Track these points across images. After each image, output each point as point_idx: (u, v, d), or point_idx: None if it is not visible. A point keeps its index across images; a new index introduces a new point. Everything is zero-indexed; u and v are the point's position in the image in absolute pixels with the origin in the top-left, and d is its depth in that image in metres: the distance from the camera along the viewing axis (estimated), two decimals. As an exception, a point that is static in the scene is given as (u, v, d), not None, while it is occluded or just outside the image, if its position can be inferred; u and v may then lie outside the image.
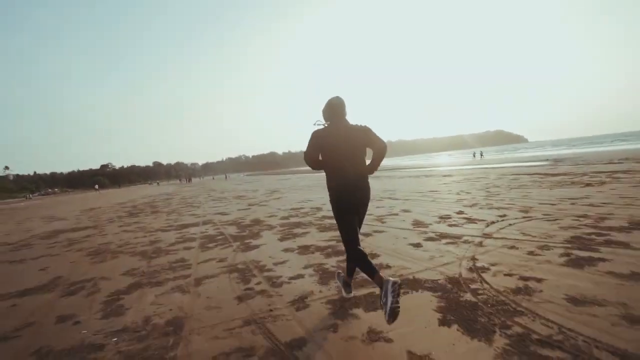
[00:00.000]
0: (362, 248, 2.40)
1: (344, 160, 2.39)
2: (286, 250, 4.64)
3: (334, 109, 2.46)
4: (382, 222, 6.00)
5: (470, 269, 3.20)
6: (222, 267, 4.02)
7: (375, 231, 5.31)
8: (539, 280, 2.78)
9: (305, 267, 3.74)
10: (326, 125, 2.52)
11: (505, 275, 2.98)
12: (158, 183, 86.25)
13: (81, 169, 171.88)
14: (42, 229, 10.20)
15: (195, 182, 65.33)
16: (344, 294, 2.74)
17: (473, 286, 2.79)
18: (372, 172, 2.54)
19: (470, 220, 5.45)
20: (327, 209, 8.19)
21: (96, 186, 62.48)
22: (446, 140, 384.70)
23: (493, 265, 3.26)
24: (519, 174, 13.40)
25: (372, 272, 2.20)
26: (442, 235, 4.63)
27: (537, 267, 3.10)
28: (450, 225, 5.23)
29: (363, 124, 2.49)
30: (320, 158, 2.50)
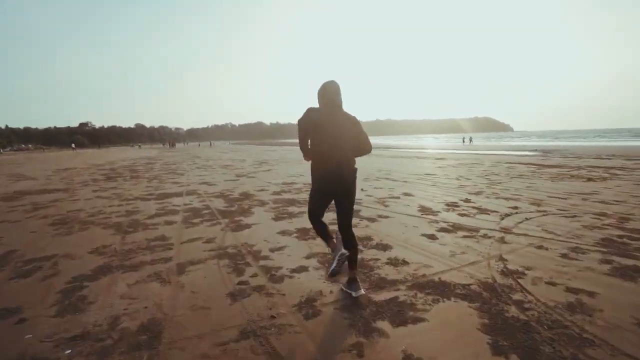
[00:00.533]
0: (323, 220, 2.51)
1: (332, 145, 2.36)
2: (283, 233, 4.10)
3: (332, 93, 2.41)
4: (385, 206, 5.52)
5: (503, 273, 2.75)
6: (210, 251, 3.46)
7: (380, 216, 4.83)
8: (590, 294, 2.36)
9: (308, 257, 3.23)
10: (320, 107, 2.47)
11: (547, 283, 2.55)
12: (140, 146, 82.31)
13: (58, 125, 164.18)
14: (5, 188, 9.28)
15: (179, 147, 63.34)
16: (338, 253, 2.33)
17: (515, 297, 2.34)
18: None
19: (481, 210, 5.03)
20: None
21: (73, 145, 59.17)
22: (436, 123, 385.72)
23: (528, 269, 2.82)
24: (513, 163, 13.14)
25: (327, 238, 2.46)
26: (456, 227, 4.19)
27: (580, 276, 2.67)
28: (461, 215, 4.79)
29: (353, 115, 2.49)
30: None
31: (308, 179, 9.85)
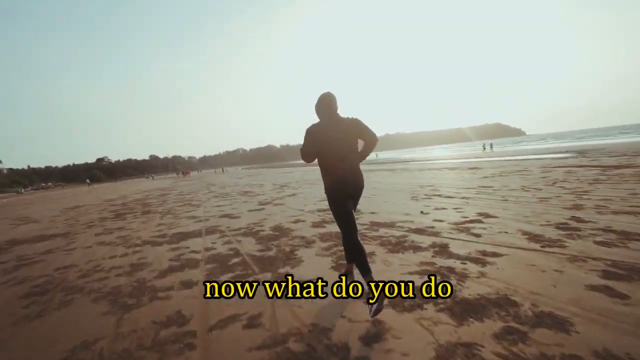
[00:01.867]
0: (360, 242, 2.46)
1: (337, 155, 2.47)
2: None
3: (325, 105, 2.52)
4: (474, 235, 4.04)
5: None
6: (260, 349, 2.02)
7: (484, 252, 3.35)
8: None
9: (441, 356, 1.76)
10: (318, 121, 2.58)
11: None
12: (153, 177, 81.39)
13: (76, 162, 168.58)
14: (0, 236, 8.16)
15: (193, 175, 63.07)
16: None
17: None
18: (361, 161, 2.66)
19: (619, 235, 3.50)
20: (372, 211, 6.23)
21: (88, 180, 58.83)
22: (445, 133, 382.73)
23: None
24: (564, 167, 11.45)
25: (365, 271, 2.33)
26: (620, 266, 2.68)
27: None
28: (601, 244, 3.28)
29: (353, 117, 2.57)
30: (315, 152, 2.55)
31: None
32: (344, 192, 2.49)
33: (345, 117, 2.55)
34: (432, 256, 3.47)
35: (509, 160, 19.84)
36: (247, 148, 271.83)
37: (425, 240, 4.08)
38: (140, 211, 10.31)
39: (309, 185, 13.60)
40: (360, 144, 2.65)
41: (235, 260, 3.96)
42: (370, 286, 2.21)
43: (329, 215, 6.40)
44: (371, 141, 2.60)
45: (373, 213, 6.21)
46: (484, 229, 4.35)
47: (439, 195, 7.67)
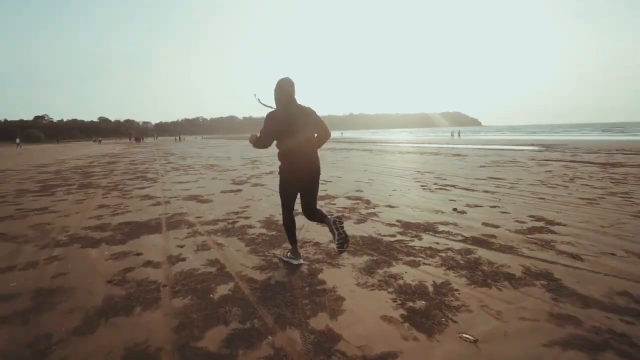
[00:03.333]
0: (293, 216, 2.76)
1: (298, 138, 2.51)
2: None
3: (286, 91, 2.56)
4: (571, 256, 2.78)
5: None
6: None
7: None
8: None
9: None
10: (276, 107, 2.63)
11: None
12: (100, 140, 71.75)
13: (9, 119, 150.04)
14: None
15: (148, 142, 58.12)
16: (294, 262, 2.79)
17: None
18: (316, 149, 2.71)
19: None
20: (389, 204, 4.82)
21: (17, 140, 50.13)
22: (407, 117, 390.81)
23: None
24: (552, 160, 10.85)
25: (293, 240, 2.80)
26: None
27: None
28: None
29: (308, 106, 2.62)
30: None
31: (345, 183, 6.44)
32: (300, 174, 2.60)
33: (302, 104, 2.61)
34: (554, 299, 2.16)
35: (485, 149, 19.41)
36: (208, 117, 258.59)
37: (505, 261, 2.78)
38: (78, 183, 8.12)
39: (286, 163, 11.94)
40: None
41: (222, 289, 2.38)
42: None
43: (336, 203, 4.93)
44: (325, 136, 2.70)
45: (391, 207, 4.84)
46: (573, 244, 3.14)
47: (453, 186, 6.47)
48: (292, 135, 2.49)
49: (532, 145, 23.20)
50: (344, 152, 18.42)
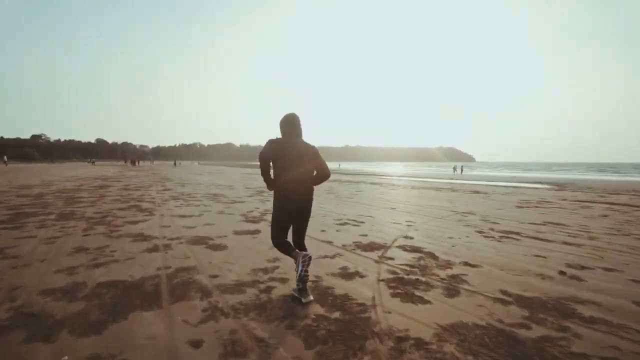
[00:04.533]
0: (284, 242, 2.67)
1: (293, 170, 2.54)
2: None
3: (291, 124, 2.62)
4: None
5: None
6: None
7: None
8: None
9: None
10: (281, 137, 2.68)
11: None
12: (93, 162, 69.81)
13: (6, 136, 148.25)
14: None
15: (144, 166, 56.77)
16: (301, 267, 2.55)
17: None
18: (313, 185, 2.74)
19: None
20: (466, 260, 3.53)
21: (5, 157, 48.39)
22: (402, 151, 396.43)
23: None
24: (586, 201, 9.74)
25: (291, 251, 2.63)
26: None
27: None
28: None
29: (312, 145, 2.68)
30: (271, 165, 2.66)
31: (382, 229, 5.76)
32: (291, 205, 2.60)
33: (307, 142, 2.67)
34: None
35: (498, 186, 18.45)
36: (205, 143, 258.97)
37: None
38: (57, 212, 6.77)
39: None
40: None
41: None
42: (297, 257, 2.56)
43: (394, 259, 3.63)
44: (324, 175, 2.73)
45: (470, 265, 3.59)
46: None
47: (517, 234, 5.28)
48: (284, 164, 2.56)
49: (539, 183, 22.43)
50: (352, 184, 17.28)
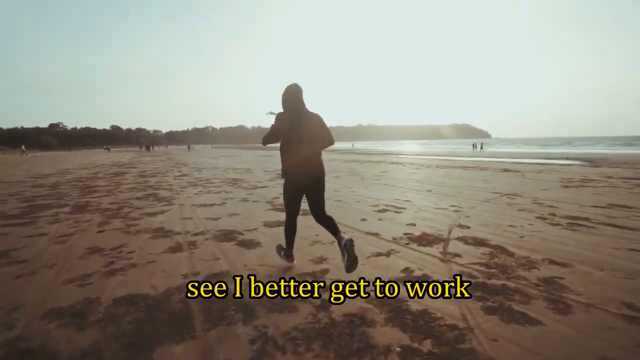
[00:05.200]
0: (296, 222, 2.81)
1: (303, 141, 2.55)
2: None
3: (293, 94, 2.61)
4: None
5: None
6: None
7: None
8: None
9: None
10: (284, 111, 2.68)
11: None
12: (109, 148, 70.01)
13: (26, 126, 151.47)
14: None
15: (158, 150, 57.00)
16: (287, 262, 2.89)
17: None
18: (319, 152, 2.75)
19: None
20: (518, 245, 2.85)
21: (23, 147, 48.92)
22: (416, 129, 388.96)
23: None
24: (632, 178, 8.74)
25: (290, 245, 2.88)
26: None
27: None
28: None
29: (316, 113, 2.67)
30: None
31: (426, 215, 5.17)
32: (302, 176, 2.60)
33: (310, 110, 2.66)
34: None
35: (527, 163, 17.33)
36: (217, 127, 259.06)
37: None
38: (72, 204, 6.35)
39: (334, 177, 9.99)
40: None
41: None
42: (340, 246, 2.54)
43: (462, 256, 2.96)
44: (329, 141, 2.73)
45: (562, 265, 2.90)
46: None
47: (586, 219, 4.53)
48: (293, 134, 2.56)
49: (567, 158, 21.12)
50: (372, 164, 16.55)
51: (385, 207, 5.56)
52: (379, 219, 4.76)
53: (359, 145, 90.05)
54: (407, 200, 6.22)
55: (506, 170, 12.85)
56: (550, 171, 12.27)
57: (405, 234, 3.97)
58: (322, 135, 2.66)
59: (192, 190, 7.92)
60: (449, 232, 4.02)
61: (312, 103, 2.73)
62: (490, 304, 2.25)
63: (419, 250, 3.39)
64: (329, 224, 2.68)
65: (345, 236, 2.53)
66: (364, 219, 4.76)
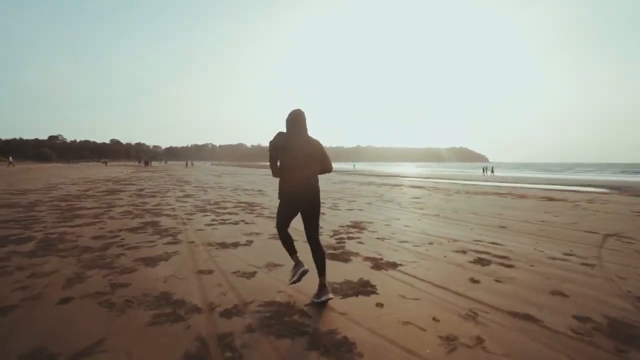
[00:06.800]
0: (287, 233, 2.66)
1: (298, 168, 2.53)
2: None
3: (297, 120, 2.61)
4: None
5: None
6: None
7: None
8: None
9: None
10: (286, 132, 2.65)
11: None
12: (106, 162, 68.22)
13: (25, 137, 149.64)
14: None
15: (156, 166, 55.37)
16: (300, 273, 2.61)
17: None
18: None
19: None
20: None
21: (10, 158, 47.49)
22: (415, 151, 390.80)
23: None
24: None
25: (292, 251, 2.66)
26: None
27: None
28: None
29: (317, 140, 2.66)
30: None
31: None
32: (295, 200, 2.57)
33: (312, 137, 2.66)
34: None
35: (555, 190, 15.83)
36: (217, 144, 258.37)
37: None
38: (39, 238, 4.66)
39: (347, 201, 8.37)
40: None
41: None
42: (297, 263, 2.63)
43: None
44: (328, 169, 2.72)
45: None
46: None
47: None
48: (290, 159, 2.54)
49: (589, 186, 19.65)
50: (394, 188, 15.01)
51: (479, 257, 3.92)
52: (495, 280, 3.13)
53: (360, 166, 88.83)
54: (495, 243, 4.60)
55: (551, 199, 11.28)
56: (602, 201, 10.74)
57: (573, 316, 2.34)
58: (322, 161, 2.65)
59: (202, 219, 6.27)
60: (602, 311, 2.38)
61: (312, 124, 2.66)
62: None
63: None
64: (318, 260, 2.62)
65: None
66: (474, 280, 3.13)
